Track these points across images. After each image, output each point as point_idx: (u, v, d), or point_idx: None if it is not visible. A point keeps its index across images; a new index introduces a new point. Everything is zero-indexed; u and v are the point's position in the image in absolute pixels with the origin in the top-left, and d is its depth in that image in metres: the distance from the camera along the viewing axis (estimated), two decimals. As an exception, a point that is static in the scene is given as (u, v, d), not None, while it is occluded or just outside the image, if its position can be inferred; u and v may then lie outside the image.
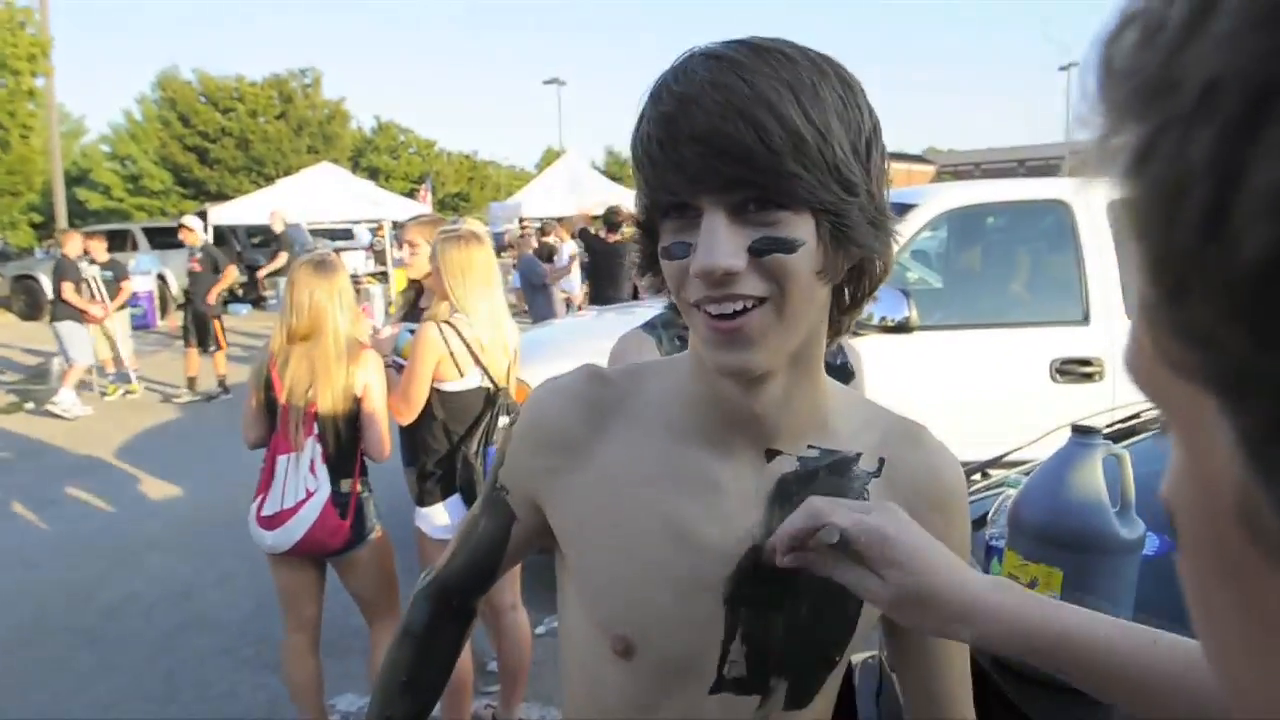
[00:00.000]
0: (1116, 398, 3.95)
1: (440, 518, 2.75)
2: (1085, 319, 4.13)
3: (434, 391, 2.68)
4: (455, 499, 2.74)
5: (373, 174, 26.21)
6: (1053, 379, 4.07)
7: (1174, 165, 0.22)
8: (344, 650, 3.09)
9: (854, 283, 0.78)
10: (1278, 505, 0.22)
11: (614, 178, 24.04)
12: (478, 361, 2.67)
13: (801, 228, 0.69)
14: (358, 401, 2.72)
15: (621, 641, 0.84)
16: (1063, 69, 41.81)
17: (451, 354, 2.63)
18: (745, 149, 0.65)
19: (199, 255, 9.00)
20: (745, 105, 0.65)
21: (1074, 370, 4.07)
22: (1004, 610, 0.67)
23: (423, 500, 2.78)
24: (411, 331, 2.85)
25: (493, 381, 2.72)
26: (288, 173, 18.65)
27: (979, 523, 1.75)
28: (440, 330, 2.62)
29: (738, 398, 0.78)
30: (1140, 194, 0.24)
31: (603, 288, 7.94)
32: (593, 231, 8.50)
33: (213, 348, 8.84)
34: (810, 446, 0.83)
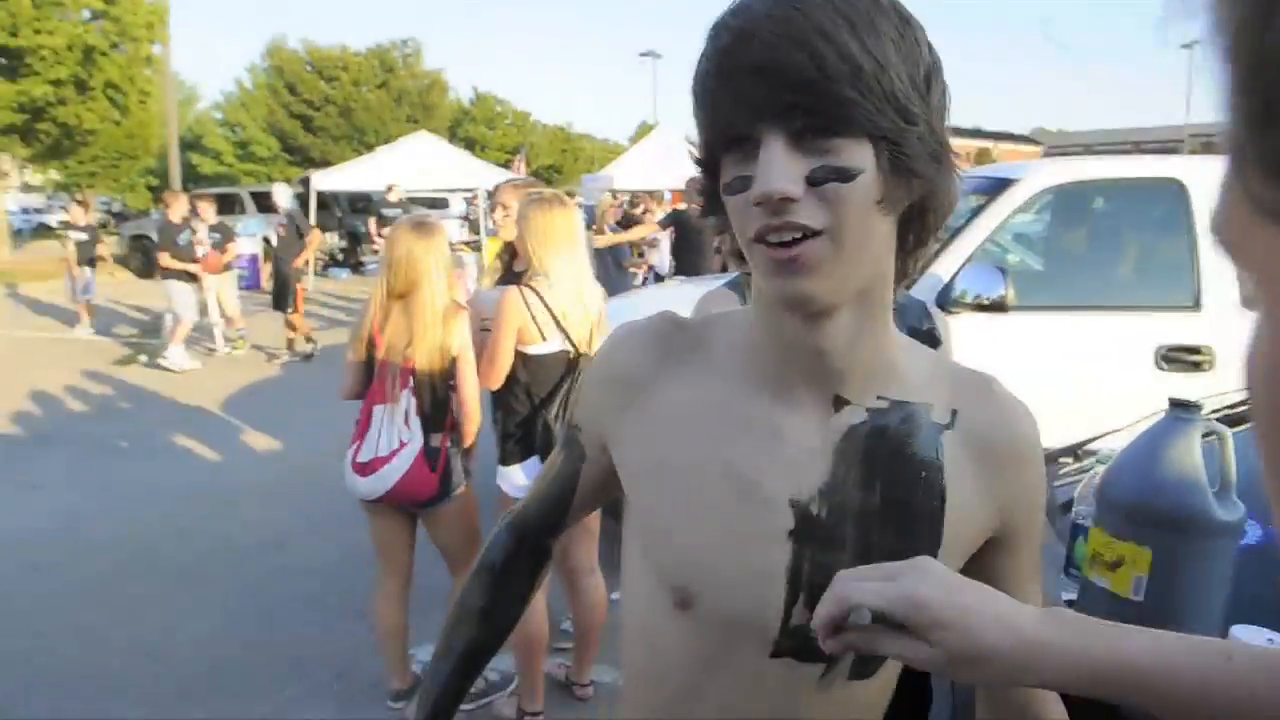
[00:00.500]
0: (1227, 388, 3.73)
1: (520, 478, 2.80)
2: (1196, 305, 3.91)
3: (517, 354, 2.71)
4: (534, 460, 2.78)
5: (469, 144, 26.59)
6: (1157, 366, 3.88)
7: None
8: (428, 603, 3.17)
9: (918, 220, 0.76)
10: None
11: (707, 152, 23.83)
12: (559, 325, 2.69)
13: (860, 156, 0.68)
14: (452, 360, 2.79)
15: (680, 592, 0.83)
16: (1185, 47, 39.55)
17: (534, 318, 2.66)
18: (802, 77, 0.65)
19: (284, 221, 9.35)
20: (802, 34, 0.65)
21: (1180, 358, 3.87)
22: (1063, 650, 0.62)
23: (505, 460, 2.83)
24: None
25: (574, 346, 2.74)
26: (387, 141, 19.06)
27: (1066, 506, 1.69)
28: (522, 294, 2.66)
29: (802, 335, 0.76)
30: (1235, 11, 0.23)
31: (690, 261, 7.92)
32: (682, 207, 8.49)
33: (290, 310, 9.15)
34: (880, 397, 0.80)
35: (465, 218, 17.03)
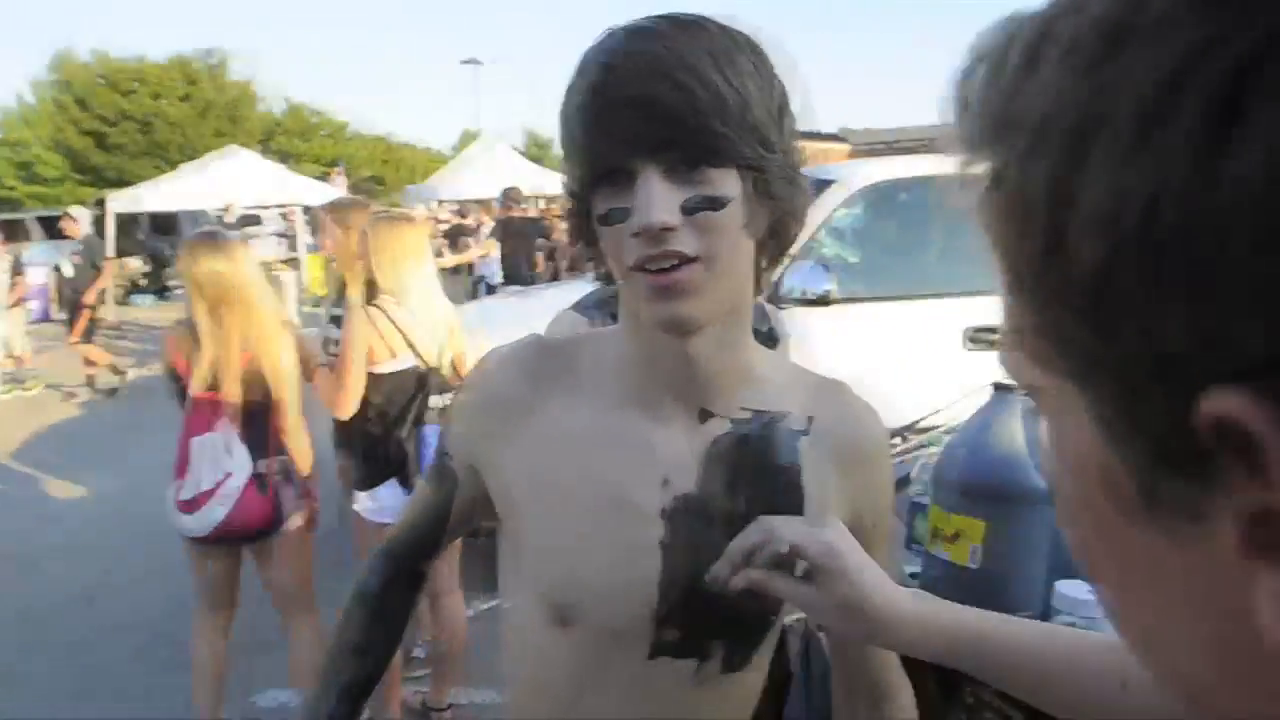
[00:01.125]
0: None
1: (378, 501, 2.72)
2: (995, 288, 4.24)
3: (367, 375, 2.64)
4: (391, 483, 2.71)
5: (283, 157, 25.32)
6: (966, 346, 4.18)
7: (1018, 194, 0.26)
8: (267, 646, 3.00)
9: (775, 238, 0.80)
10: (1128, 473, 0.26)
11: (534, 159, 23.80)
12: (408, 342, 2.64)
13: (728, 184, 0.72)
14: (273, 379, 2.65)
15: (561, 609, 0.85)
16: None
17: (382, 336, 2.61)
18: (674, 111, 0.69)
19: (79, 249, 8.70)
20: (671, 70, 0.68)
21: (986, 338, 4.19)
22: (926, 618, 0.72)
23: (361, 484, 2.75)
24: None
25: (423, 361, 2.69)
26: (193, 157, 17.89)
27: (901, 483, 1.79)
28: (368, 313, 2.60)
29: (672, 352, 0.79)
30: (995, 217, 0.28)
31: (517, 269, 7.96)
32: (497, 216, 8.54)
33: (83, 340, 8.48)
34: (742, 409, 0.84)
35: (282, 234, 16.26)
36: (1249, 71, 0.20)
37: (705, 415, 0.84)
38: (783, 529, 0.73)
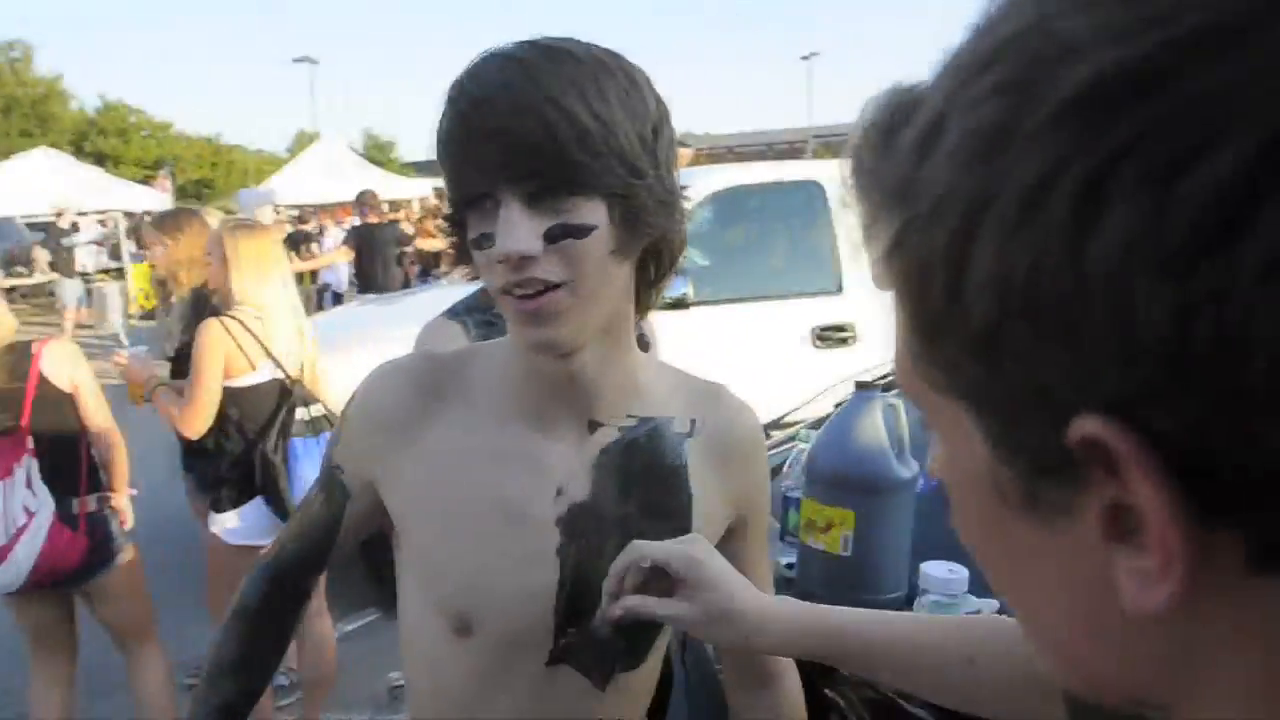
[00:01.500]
0: (870, 359, 4.34)
1: (243, 521, 2.59)
2: (839, 289, 4.50)
3: (224, 389, 2.52)
4: (257, 501, 2.59)
5: (99, 159, 23.53)
6: (813, 345, 4.41)
7: (919, 255, 0.31)
8: (109, 688, 2.82)
9: (654, 260, 0.83)
10: (1012, 476, 0.32)
11: (375, 162, 23.10)
12: (269, 353, 2.55)
13: (592, 212, 0.74)
14: (71, 402, 2.42)
15: (459, 619, 0.86)
16: (804, 59, 44.79)
17: (240, 347, 2.50)
18: (534, 142, 0.70)
19: None
20: (533, 102, 0.70)
21: (831, 336, 4.43)
22: (790, 618, 0.78)
23: (219, 506, 2.61)
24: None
25: (286, 373, 2.60)
26: (-7, 159, 16.38)
27: (772, 474, 1.89)
28: (224, 325, 2.48)
29: (554, 369, 0.82)
30: (898, 272, 0.33)
31: (372, 277, 7.75)
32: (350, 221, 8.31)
33: None
34: (629, 416, 0.88)
35: (99, 243, 15.12)
36: (1102, 179, 0.26)
37: (594, 426, 0.87)
38: (646, 548, 0.77)
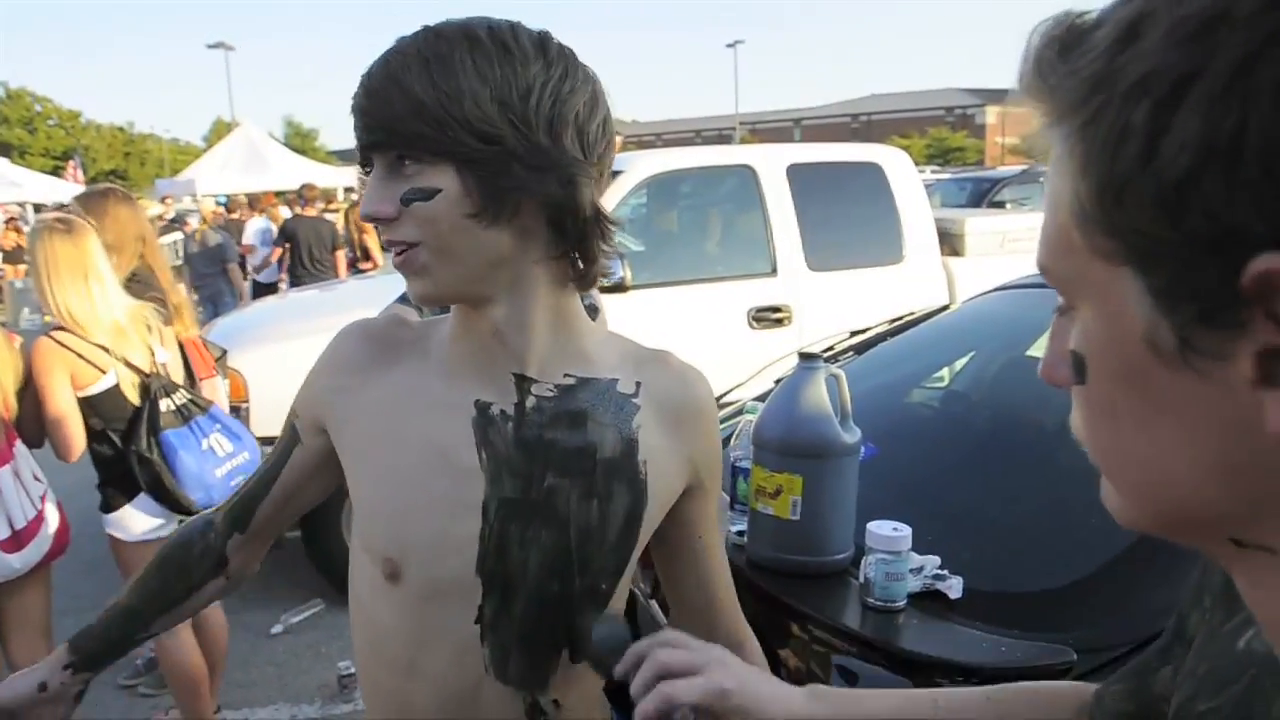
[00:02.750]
0: (803, 338, 4.44)
1: (132, 521, 2.56)
2: (774, 271, 4.59)
3: (79, 400, 2.45)
4: (142, 497, 2.55)
5: (4, 150, 22.48)
6: (750, 326, 4.49)
7: (1116, 127, 0.37)
8: None
9: (555, 228, 0.83)
10: (1171, 329, 0.37)
11: (297, 150, 22.54)
12: (112, 355, 2.47)
13: (438, 177, 0.80)
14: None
15: (389, 564, 0.89)
16: (729, 46, 45.02)
17: (81, 356, 2.42)
18: (377, 116, 0.80)
19: None
20: (379, 83, 0.80)
21: (767, 317, 4.52)
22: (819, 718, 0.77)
23: (109, 506, 2.57)
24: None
25: (138, 371, 2.53)
26: (-115, 150, 15.54)
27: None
28: (57, 340, 2.40)
29: (475, 324, 0.88)
30: (1089, 146, 0.38)
31: (303, 269, 7.63)
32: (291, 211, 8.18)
33: None
34: (567, 375, 0.90)
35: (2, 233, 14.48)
36: None
37: (525, 381, 0.89)
38: (682, 693, 0.75)
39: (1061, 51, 0.40)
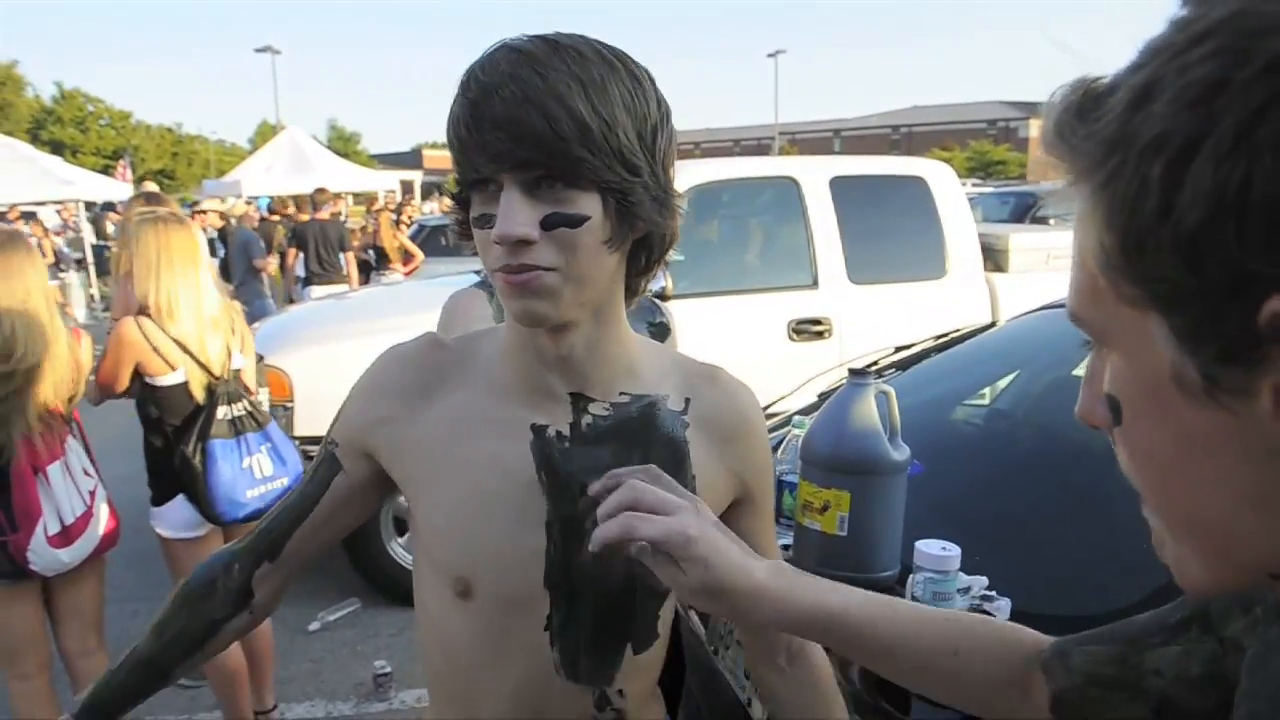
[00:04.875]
0: (843, 351, 4.43)
1: (177, 517, 2.61)
2: (814, 283, 4.58)
3: (147, 387, 2.53)
4: (179, 500, 2.60)
5: (57, 148, 23.02)
6: (790, 338, 4.49)
7: (1134, 184, 0.40)
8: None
9: (644, 252, 0.88)
10: (1194, 366, 0.40)
11: (340, 153, 22.84)
12: (187, 352, 2.53)
13: (588, 204, 0.79)
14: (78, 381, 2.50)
15: (460, 583, 0.91)
16: (770, 56, 44.92)
17: (156, 349, 2.48)
18: (537, 135, 0.75)
19: None
20: (539, 96, 0.75)
21: (807, 329, 4.51)
22: (780, 597, 0.77)
23: (156, 499, 2.64)
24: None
25: (207, 372, 2.58)
26: (-54, 147, 15.98)
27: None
28: (140, 325, 2.47)
29: (549, 345, 0.87)
30: (1110, 202, 0.42)
31: (314, 268, 7.93)
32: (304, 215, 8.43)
33: None
34: (622, 394, 0.92)
35: (59, 232, 14.85)
36: None
37: (582, 400, 0.91)
38: (642, 529, 0.75)
39: (1079, 115, 0.44)
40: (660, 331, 1.82)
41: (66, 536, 2.38)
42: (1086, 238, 0.44)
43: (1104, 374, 0.48)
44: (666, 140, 0.83)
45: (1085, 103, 0.44)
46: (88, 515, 2.43)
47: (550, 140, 0.75)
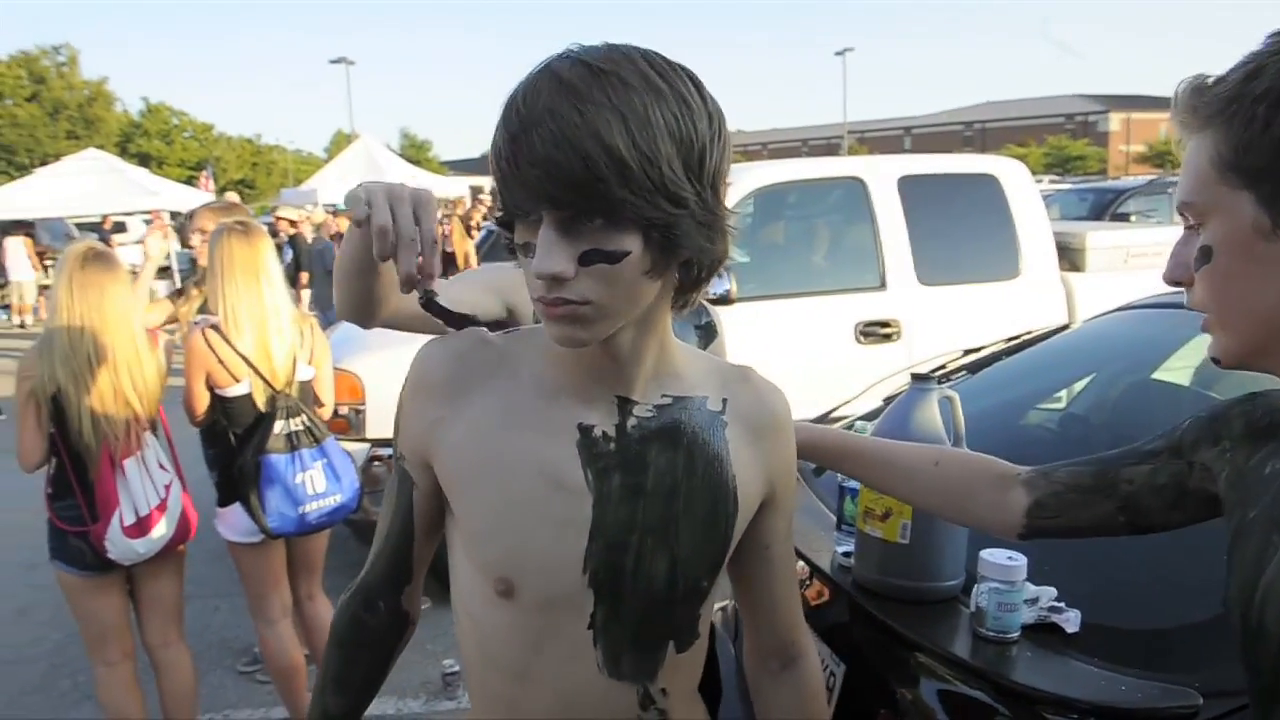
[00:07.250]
0: (912, 354, 4.35)
1: (235, 520, 2.69)
2: (883, 285, 4.51)
3: (214, 396, 2.62)
4: (237, 507, 2.67)
5: (143, 160, 23.98)
6: (857, 340, 4.43)
7: (1248, 114, 0.69)
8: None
9: (691, 272, 0.86)
10: (1270, 215, 0.70)
11: (412, 161, 23.31)
12: (250, 365, 2.59)
13: (628, 240, 0.78)
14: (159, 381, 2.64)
15: (503, 583, 0.91)
16: (838, 54, 44.29)
17: (221, 360, 2.56)
18: (574, 175, 0.73)
19: None
20: (576, 135, 0.73)
21: (875, 331, 4.45)
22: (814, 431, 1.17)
23: (220, 501, 2.73)
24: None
25: (270, 385, 2.64)
26: (45, 161, 16.80)
27: (819, 470, 1.92)
28: (206, 336, 2.55)
29: (593, 351, 0.88)
30: (1227, 127, 0.71)
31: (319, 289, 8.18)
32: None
33: None
34: (664, 395, 0.93)
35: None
36: None
37: (626, 403, 0.92)
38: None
39: (1204, 88, 0.73)
40: (708, 332, 1.82)
41: (141, 528, 2.50)
42: (1200, 154, 0.73)
43: (1191, 249, 0.76)
44: (718, 157, 0.81)
45: (1204, 83, 0.73)
46: (162, 507, 2.54)
47: (587, 182, 0.74)
